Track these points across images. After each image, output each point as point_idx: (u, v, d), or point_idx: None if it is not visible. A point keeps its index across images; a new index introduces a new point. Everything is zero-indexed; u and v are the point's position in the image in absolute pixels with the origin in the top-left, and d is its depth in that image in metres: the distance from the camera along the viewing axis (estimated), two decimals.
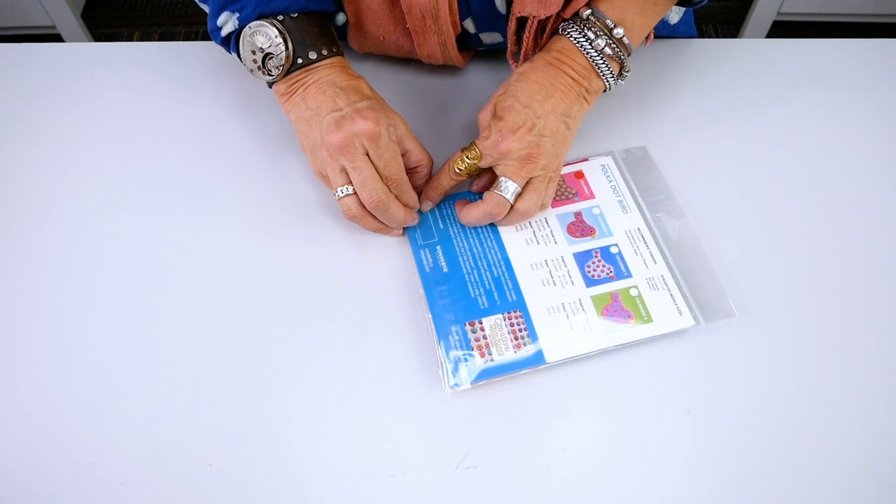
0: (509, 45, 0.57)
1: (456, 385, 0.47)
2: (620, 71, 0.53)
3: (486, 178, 0.56)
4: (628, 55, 0.52)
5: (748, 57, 0.66)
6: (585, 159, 0.59)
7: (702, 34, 1.74)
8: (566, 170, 0.58)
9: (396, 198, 0.51)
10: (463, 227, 0.55)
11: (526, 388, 0.48)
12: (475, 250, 0.54)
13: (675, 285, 0.51)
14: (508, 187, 0.51)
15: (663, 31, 0.67)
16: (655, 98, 0.63)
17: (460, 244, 0.54)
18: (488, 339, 0.49)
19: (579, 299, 0.51)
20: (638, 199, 0.56)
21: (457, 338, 0.49)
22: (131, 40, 1.78)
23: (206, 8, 0.55)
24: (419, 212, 0.55)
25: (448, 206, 0.56)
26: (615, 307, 0.50)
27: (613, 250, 0.53)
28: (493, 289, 0.51)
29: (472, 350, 0.49)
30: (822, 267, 0.53)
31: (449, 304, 0.51)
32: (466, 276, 0.52)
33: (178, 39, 1.78)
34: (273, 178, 0.59)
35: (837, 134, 0.61)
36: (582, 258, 0.53)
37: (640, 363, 0.49)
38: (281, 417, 0.47)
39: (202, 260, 0.54)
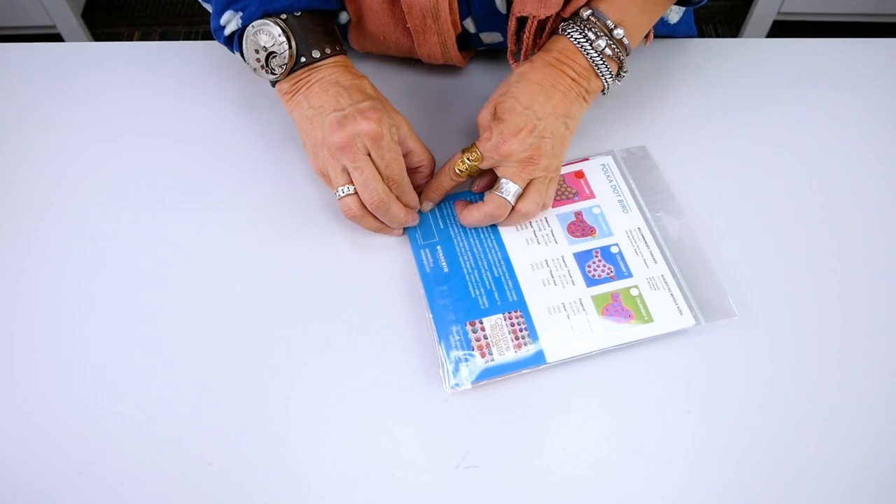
0: (509, 45, 0.57)
1: (456, 385, 0.47)
2: (618, 71, 0.53)
3: (487, 178, 0.56)
4: (627, 55, 0.52)
5: (748, 56, 0.66)
6: (586, 159, 0.59)
7: (702, 34, 1.74)
8: (567, 169, 0.58)
9: (397, 198, 0.51)
10: (463, 227, 0.55)
11: (526, 388, 0.48)
12: (475, 250, 0.54)
13: (675, 285, 0.51)
14: (509, 189, 0.51)
15: (663, 31, 0.67)
16: (655, 98, 0.63)
17: (461, 244, 0.54)
18: (489, 339, 0.49)
19: (580, 299, 0.51)
20: (638, 199, 0.56)
21: (457, 338, 0.49)
22: (131, 40, 1.78)
23: (209, 7, 0.55)
24: (419, 212, 0.55)
25: (448, 207, 0.56)
26: (616, 307, 0.50)
27: (614, 250, 0.53)
28: (494, 289, 0.51)
29: (473, 350, 0.49)
30: (822, 267, 0.53)
31: (449, 303, 0.51)
32: (467, 275, 0.52)
33: (179, 39, 1.78)
34: (273, 177, 0.59)
35: (837, 134, 0.61)
36: (582, 258, 0.53)
37: (640, 363, 0.49)
38: (281, 417, 0.47)
39: (202, 260, 0.54)
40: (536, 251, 0.53)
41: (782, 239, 0.54)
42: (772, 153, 0.59)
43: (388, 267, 0.54)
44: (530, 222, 0.55)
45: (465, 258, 0.53)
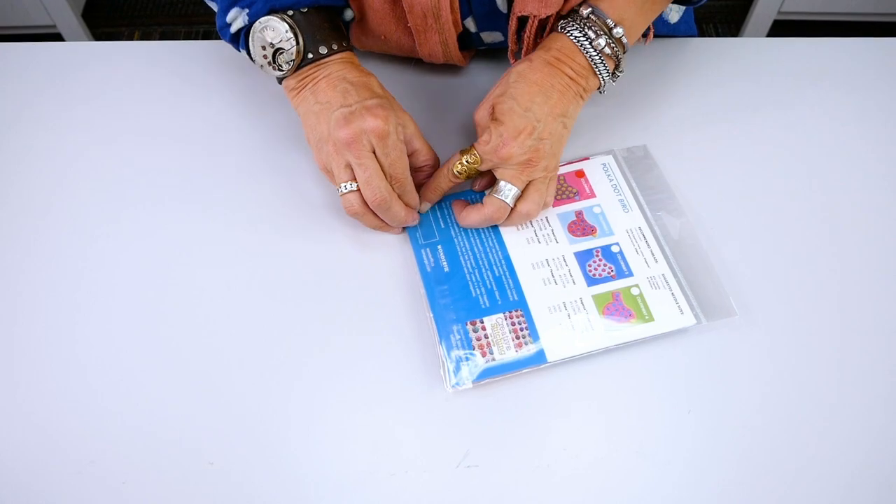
0: (510, 45, 0.57)
1: (457, 384, 0.47)
2: (615, 70, 0.53)
3: (488, 177, 0.56)
4: (624, 53, 0.52)
5: (748, 56, 0.66)
6: (586, 158, 0.59)
7: (702, 33, 1.73)
8: (567, 169, 0.58)
9: (399, 197, 0.51)
10: None
11: (527, 388, 0.48)
12: (476, 250, 0.54)
13: (676, 284, 0.51)
14: (508, 192, 0.51)
15: (663, 31, 0.67)
16: (656, 97, 0.63)
17: (461, 244, 0.54)
18: (489, 339, 0.49)
19: (580, 298, 0.51)
20: (639, 198, 0.56)
21: (458, 337, 0.49)
22: (132, 40, 1.78)
23: (214, 6, 0.55)
24: (417, 211, 0.55)
25: (449, 206, 0.56)
26: (616, 306, 0.50)
27: (614, 249, 0.53)
28: (495, 288, 0.51)
29: (474, 349, 0.48)
30: (822, 266, 0.53)
31: (450, 303, 0.51)
32: (467, 275, 0.52)
33: (179, 39, 1.78)
34: (273, 177, 0.59)
35: (837, 134, 0.61)
36: (583, 257, 0.53)
37: (641, 362, 0.49)
38: (282, 416, 0.47)
39: (202, 259, 0.54)
40: (537, 250, 0.53)
41: (782, 238, 0.54)
42: (772, 153, 0.59)
43: (388, 266, 0.54)
44: (531, 222, 0.55)
45: (466, 258, 0.53)
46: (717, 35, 1.75)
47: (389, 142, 0.49)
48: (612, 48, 0.51)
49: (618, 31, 0.51)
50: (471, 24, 0.59)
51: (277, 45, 0.51)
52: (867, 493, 0.44)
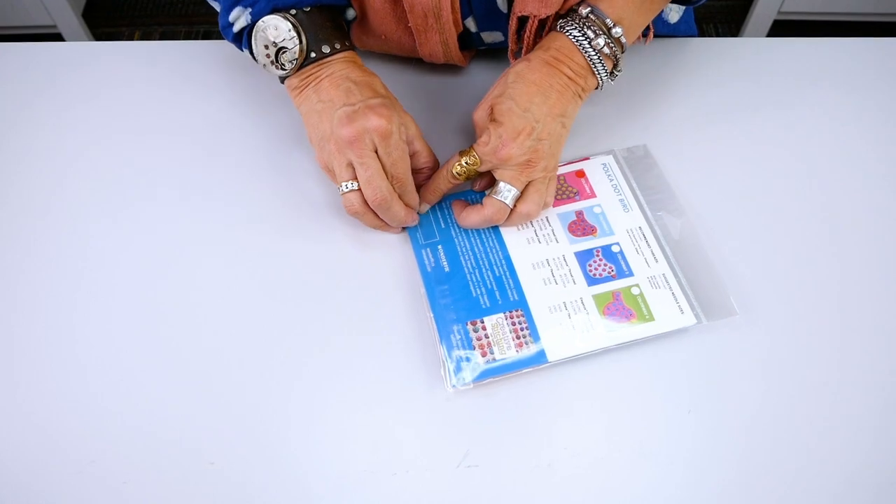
0: (510, 44, 0.57)
1: (457, 384, 0.47)
2: (613, 69, 0.53)
3: (488, 177, 0.56)
4: (622, 53, 0.52)
5: (749, 56, 0.66)
6: (586, 158, 0.59)
7: (702, 33, 1.73)
8: (567, 169, 0.58)
9: (399, 197, 0.51)
10: None
11: (527, 388, 0.48)
12: (476, 250, 0.54)
13: (676, 284, 0.51)
14: (508, 193, 0.51)
15: (663, 30, 0.67)
16: (656, 97, 0.63)
17: (461, 244, 0.54)
18: (490, 339, 0.49)
19: (581, 298, 0.51)
20: (639, 198, 0.56)
21: (458, 337, 0.49)
22: (132, 39, 1.78)
23: (216, 6, 0.55)
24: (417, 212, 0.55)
25: (449, 206, 0.56)
26: (617, 306, 0.50)
27: (615, 249, 0.53)
28: (495, 288, 0.51)
29: (474, 349, 0.48)
30: (822, 266, 0.53)
31: (450, 303, 0.51)
32: (468, 275, 0.52)
33: (179, 39, 1.78)
34: (273, 177, 0.59)
35: (837, 134, 0.61)
36: (583, 257, 0.53)
37: (641, 362, 0.49)
38: (282, 416, 0.47)
39: (202, 259, 0.54)
40: (537, 250, 0.53)
41: (783, 238, 0.55)
42: (772, 153, 0.59)
43: (388, 266, 0.54)
44: (531, 222, 0.55)
45: (466, 257, 0.53)
46: (717, 35, 1.75)
47: (392, 141, 0.49)
48: (611, 48, 0.51)
49: (617, 31, 0.51)
50: (471, 24, 0.59)
51: (280, 44, 0.51)
52: (867, 493, 0.44)
